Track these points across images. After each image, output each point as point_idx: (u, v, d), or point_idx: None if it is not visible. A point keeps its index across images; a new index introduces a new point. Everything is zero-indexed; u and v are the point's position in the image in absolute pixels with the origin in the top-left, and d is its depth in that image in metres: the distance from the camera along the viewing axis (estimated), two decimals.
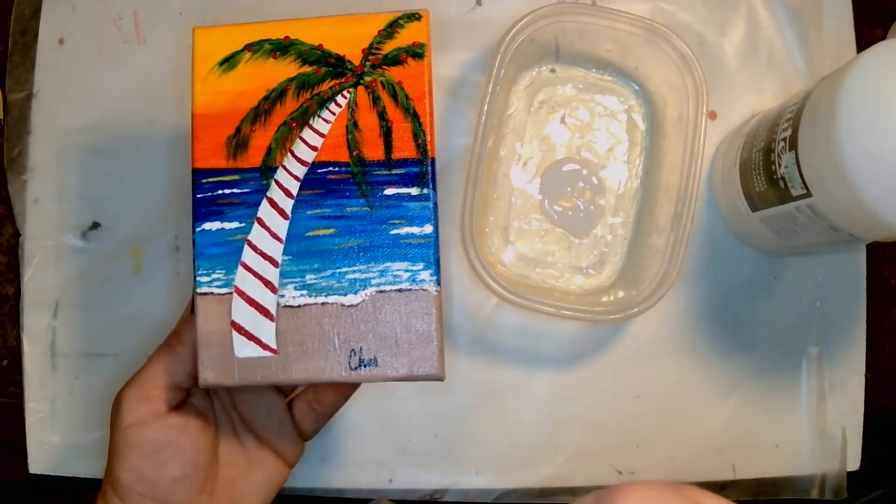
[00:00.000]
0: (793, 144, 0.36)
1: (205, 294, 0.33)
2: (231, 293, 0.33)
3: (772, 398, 0.47)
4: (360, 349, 0.33)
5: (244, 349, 0.33)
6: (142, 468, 0.34)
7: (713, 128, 0.47)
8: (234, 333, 0.33)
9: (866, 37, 0.49)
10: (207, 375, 0.33)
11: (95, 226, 0.47)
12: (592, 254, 0.46)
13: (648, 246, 0.44)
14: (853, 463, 0.46)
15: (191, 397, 0.37)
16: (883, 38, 0.50)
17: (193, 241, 0.34)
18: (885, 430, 0.48)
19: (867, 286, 0.47)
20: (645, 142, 0.47)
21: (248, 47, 0.35)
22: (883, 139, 0.32)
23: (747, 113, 0.47)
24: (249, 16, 0.48)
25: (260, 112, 0.34)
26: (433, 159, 0.34)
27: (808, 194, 0.36)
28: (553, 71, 0.47)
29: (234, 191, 0.34)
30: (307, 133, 0.34)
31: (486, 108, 0.42)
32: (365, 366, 0.33)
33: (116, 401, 0.35)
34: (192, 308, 0.34)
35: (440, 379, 0.34)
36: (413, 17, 0.35)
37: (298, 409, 0.38)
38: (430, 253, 0.34)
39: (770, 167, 0.39)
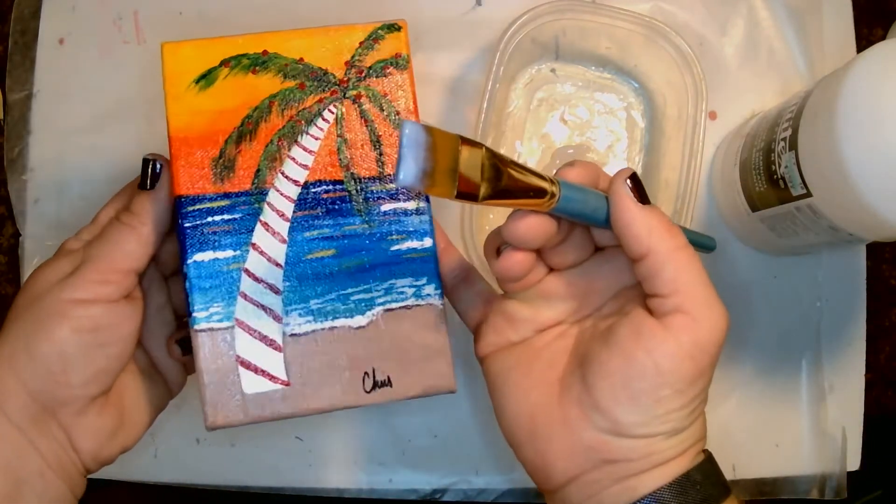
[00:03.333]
0: (793, 144, 0.36)
1: (204, 330, 0.32)
2: (232, 326, 0.32)
3: (772, 398, 0.47)
4: (373, 371, 0.32)
5: (253, 384, 0.32)
6: (68, 344, 0.31)
7: (713, 128, 0.47)
8: (241, 369, 0.32)
9: (866, 37, 0.49)
10: (217, 418, 0.31)
11: None
12: None
13: None
14: (853, 463, 0.46)
15: (135, 292, 0.34)
16: (883, 38, 0.50)
17: (185, 274, 0.32)
18: (885, 430, 0.48)
19: (867, 286, 0.47)
20: (644, 140, 0.47)
21: (224, 63, 0.33)
22: (883, 139, 0.32)
23: (747, 113, 0.47)
24: (249, 15, 0.48)
25: (245, 131, 0.33)
26: None
27: (808, 194, 0.36)
28: (553, 70, 0.47)
29: (225, 217, 0.32)
30: (296, 151, 0.33)
31: (485, 105, 0.42)
32: (379, 387, 0.32)
33: (43, 273, 0.32)
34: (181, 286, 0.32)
35: (452, 391, 0.33)
36: (392, 27, 0.34)
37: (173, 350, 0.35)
38: (432, 266, 0.33)
39: (770, 167, 0.39)
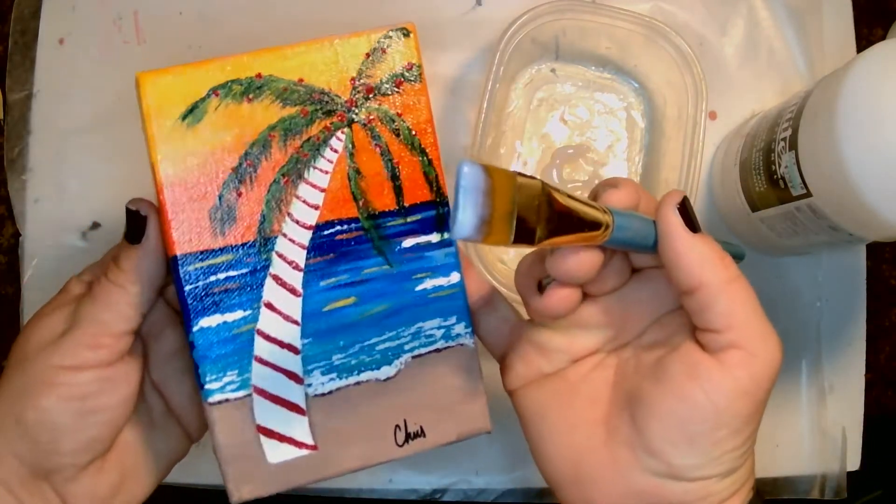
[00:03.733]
0: (793, 144, 0.36)
1: (219, 402, 0.29)
2: (250, 394, 0.29)
3: (772, 398, 0.46)
4: (405, 423, 0.30)
5: (277, 453, 0.29)
6: (56, 413, 0.29)
7: (713, 128, 0.47)
8: (263, 438, 0.29)
9: (866, 37, 0.49)
10: (242, 493, 0.29)
11: (95, 226, 0.47)
12: None
13: None
14: (853, 463, 0.46)
15: (132, 350, 0.31)
16: (883, 38, 0.50)
17: (192, 343, 0.29)
18: (885, 430, 0.48)
19: (867, 286, 0.47)
20: (644, 139, 0.47)
21: (213, 92, 0.28)
22: (883, 139, 0.32)
23: (747, 113, 0.47)
24: (249, 15, 0.48)
25: (244, 172, 0.29)
26: (446, 198, 0.31)
27: (808, 194, 0.36)
28: (553, 70, 0.47)
29: (230, 273, 0.29)
30: (303, 189, 0.29)
31: (485, 105, 0.42)
32: (412, 439, 0.30)
33: (37, 329, 0.30)
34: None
35: (488, 432, 0.32)
36: (400, 32, 0.31)
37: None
38: (461, 303, 0.31)
39: (770, 167, 0.39)
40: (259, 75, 0.29)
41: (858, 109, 0.33)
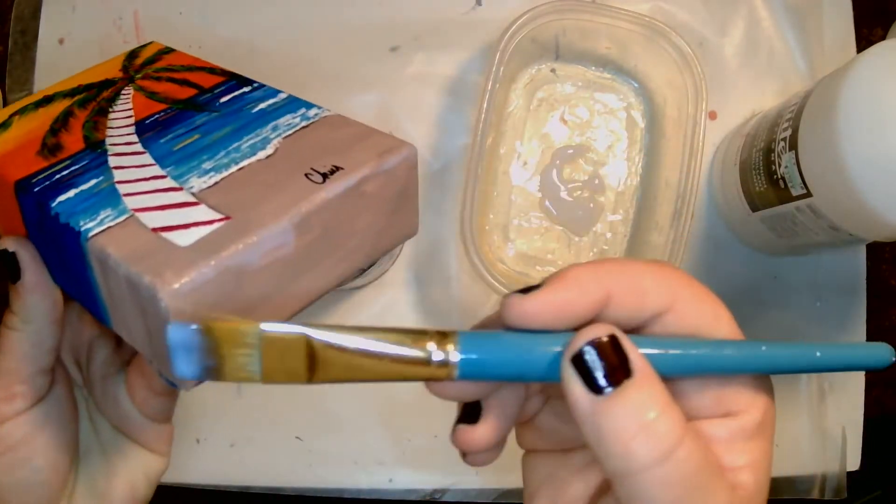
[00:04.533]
0: (793, 144, 0.36)
1: (101, 233, 0.25)
2: (132, 215, 0.26)
3: None
4: (312, 169, 0.27)
5: (188, 237, 0.25)
6: None
7: (713, 128, 0.47)
8: (164, 234, 0.25)
9: (866, 37, 0.49)
10: (165, 278, 0.23)
11: None
12: (592, 251, 0.46)
13: (648, 243, 0.44)
14: (853, 463, 0.46)
15: (53, 385, 0.30)
16: (883, 38, 0.50)
17: (55, 216, 0.27)
18: (885, 430, 0.48)
19: (867, 286, 0.47)
20: (644, 139, 0.47)
21: (12, 115, 0.33)
22: (883, 139, 0.32)
23: (747, 113, 0.47)
24: (249, 15, 0.48)
25: (58, 126, 0.31)
26: (242, 76, 0.33)
27: (808, 194, 0.36)
28: (553, 70, 0.47)
29: (74, 168, 0.28)
30: (113, 115, 0.32)
31: (485, 105, 0.41)
32: (331, 173, 0.27)
33: None
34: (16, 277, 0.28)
35: (412, 149, 0.28)
36: (144, 46, 0.36)
37: (137, 396, 0.32)
38: (301, 102, 0.31)
39: (770, 167, 0.39)
40: (45, 96, 0.34)
41: (858, 109, 0.33)
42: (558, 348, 0.20)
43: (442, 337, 0.20)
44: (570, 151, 0.47)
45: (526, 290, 0.20)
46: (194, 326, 0.20)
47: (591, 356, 0.19)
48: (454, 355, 0.20)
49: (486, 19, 0.48)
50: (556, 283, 0.20)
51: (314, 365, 0.20)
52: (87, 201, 0.27)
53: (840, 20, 0.48)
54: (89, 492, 0.31)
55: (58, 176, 0.28)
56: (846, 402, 0.46)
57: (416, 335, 0.20)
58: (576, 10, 0.42)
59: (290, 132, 0.29)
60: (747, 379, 0.21)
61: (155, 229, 0.25)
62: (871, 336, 0.47)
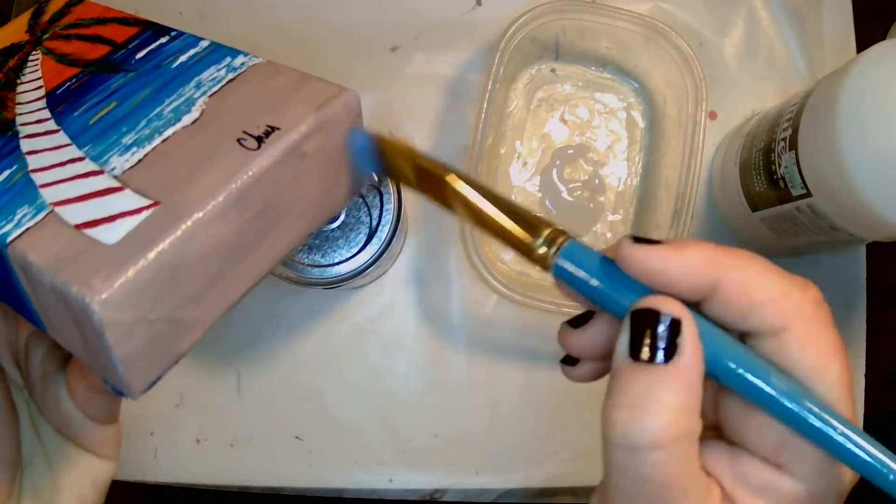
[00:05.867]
0: (793, 144, 0.36)
1: (20, 236, 0.23)
2: (51, 211, 0.24)
3: None
4: (244, 133, 0.25)
5: (115, 232, 0.23)
6: None
7: (713, 128, 0.47)
8: (88, 231, 0.23)
9: (866, 37, 0.49)
10: (94, 285, 0.21)
11: None
12: None
13: None
14: None
15: None
16: (883, 38, 0.50)
17: None
18: (885, 430, 0.48)
19: (867, 286, 0.47)
20: (644, 139, 0.47)
21: None
22: (883, 139, 0.32)
23: (747, 113, 0.47)
24: (248, 15, 0.48)
25: None
26: (156, 24, 0.31)
27: (808, 194, 0.36)
28: (553, 70, 0.47)
29: None
30: (22, 88, 0.29)
31: (485, 105, 0.41)
32: (266, 135, 0.25)
33: None
34: None
35: (355, 93, 0.27)
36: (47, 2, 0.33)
37: (79, 395, 0.29)
38: (224, 49, 0.28)
39: (770, 167, 0.39)
40: None
41: (858, 109, 0.33)
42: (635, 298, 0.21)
43: (554, 236, 0.23)
44: (570, 151, 0.47)
45: (644, 240, 0.21)
46: (371, 137, 0.26)
47: (642, 323, 0.20)
48: (553, 257, 0.23)
49: (486, 19, 0.48)
50: (678, 245, 0.20)
51: (448, 199, 0.24)
52: (1, 198, 0.24)
53: (840, 20, 0.48)
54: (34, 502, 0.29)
55: None
56: None
57: (534, 225, 0.23)
58: (576, 10, 0.42)
59: (215, 88, 0.27)
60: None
61: (78, 226, 0.23)
62: (871, 336, 0.47)
